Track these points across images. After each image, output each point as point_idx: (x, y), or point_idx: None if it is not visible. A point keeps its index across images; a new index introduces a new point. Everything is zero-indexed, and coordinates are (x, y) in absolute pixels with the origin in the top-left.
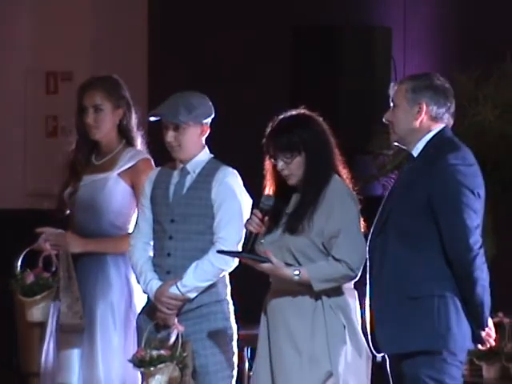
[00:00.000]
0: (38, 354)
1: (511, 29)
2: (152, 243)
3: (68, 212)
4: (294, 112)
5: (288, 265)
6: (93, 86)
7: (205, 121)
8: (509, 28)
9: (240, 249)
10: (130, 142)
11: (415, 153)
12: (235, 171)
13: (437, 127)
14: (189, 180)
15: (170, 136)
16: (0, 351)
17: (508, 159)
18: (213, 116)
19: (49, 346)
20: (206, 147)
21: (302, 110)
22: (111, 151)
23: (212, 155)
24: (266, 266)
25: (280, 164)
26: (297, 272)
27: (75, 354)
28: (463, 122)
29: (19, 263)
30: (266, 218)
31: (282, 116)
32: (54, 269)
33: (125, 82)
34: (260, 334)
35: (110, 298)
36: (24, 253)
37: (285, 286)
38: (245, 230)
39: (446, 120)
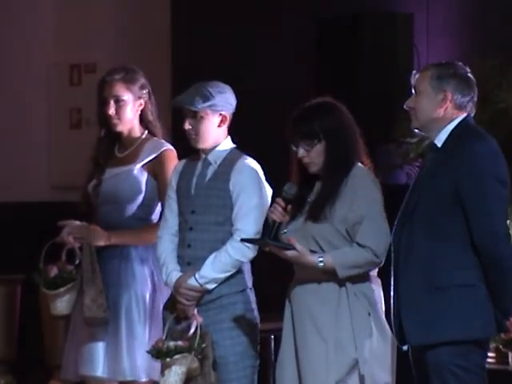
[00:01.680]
0: (63, 348)
1: None
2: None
3: (92, 205)
4: (318, 99)
5: (312, 252)
6: (113, 77)
7: (224, 111)
8: None
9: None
10: (151, 133)
11: (439, 143)
12: (254, 161)
13: (459, 116)
14: (210, 171)
15: (187, 124)
16: (26, 344)
17: None
18: (234, 107)
19: (72, 339)
20: (229, 138)
21: (326, 98)
22: (133, 143)
23: (234, 145)
24: (290, 253)
25: (300, 152)
26: (321, 259)
27: (100, 346)
28: (487, 109)
29: (43, 256)
30: (289, 207)
31: (306, 104)
32: (77, 261)
33: (148, 73)
34: (284, 323)
35: (134, 289)
36: (47, 246)
37: (309, 274)
38: (268, 219)
39: (469, 109)
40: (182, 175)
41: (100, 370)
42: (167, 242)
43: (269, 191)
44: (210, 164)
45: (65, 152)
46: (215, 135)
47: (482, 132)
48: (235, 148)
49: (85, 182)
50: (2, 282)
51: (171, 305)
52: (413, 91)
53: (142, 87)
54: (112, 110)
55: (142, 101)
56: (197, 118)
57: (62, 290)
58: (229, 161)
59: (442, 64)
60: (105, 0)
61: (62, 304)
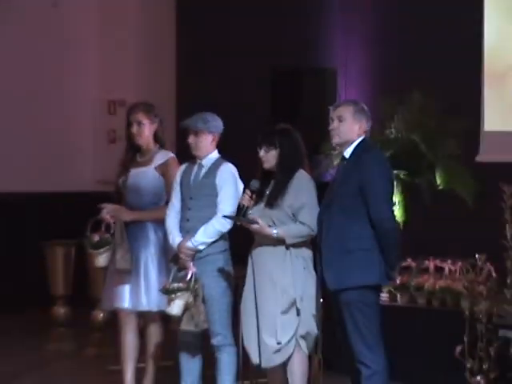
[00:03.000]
0: (102, 288)
1: (418, 70)
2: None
3: (121, 194)
4: (283, 125)
5: (269, 226)
6: (136, 108)
7: (215, 132)
8: (416, 69)
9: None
10: (162, 146)
11: (347, 155)
12: (232, 165)
13: (361, 136)
14: (203, 171)
15: (190, 139)
16: (78, 286)
17: (413, 160)
18: (221, 130)
19: (108, 282)
20: (216, 150)
21: (288, 126)
22: (149, 152)
23: (219, 155)
24: (255, 226)
25: (261, 152)
26: (276, 231)
27: (126, 287)
28: (383, 133)
29: (89, 228)
30: (254, 196)
31: (275, 126)
32: (112, 231)
33: (159, 105)
34: (247, 272)
35: (150, 250)
36: (92, 221)
37: (264, 241)
38: (239, 204)
39: (368, 132)
40: (184, 173)
41: (126, 303)
42: (173, 218)
43: (241, 185)
44: (202, 167)
45: (105, 158)
46: (208, 148)
47: (375, 147)
48: (220, 157)
49: (116, 178)
50: (62, 245)
51: (175, 259)
52: (334, 118)
53: (156, 115)
54: (135, 130)
55: (156, 125)
56: (197, 135)
57: (101, 250)
58: (215, 165)
59: (356, 102)
60: (128, 54)
61: (101, 259)
